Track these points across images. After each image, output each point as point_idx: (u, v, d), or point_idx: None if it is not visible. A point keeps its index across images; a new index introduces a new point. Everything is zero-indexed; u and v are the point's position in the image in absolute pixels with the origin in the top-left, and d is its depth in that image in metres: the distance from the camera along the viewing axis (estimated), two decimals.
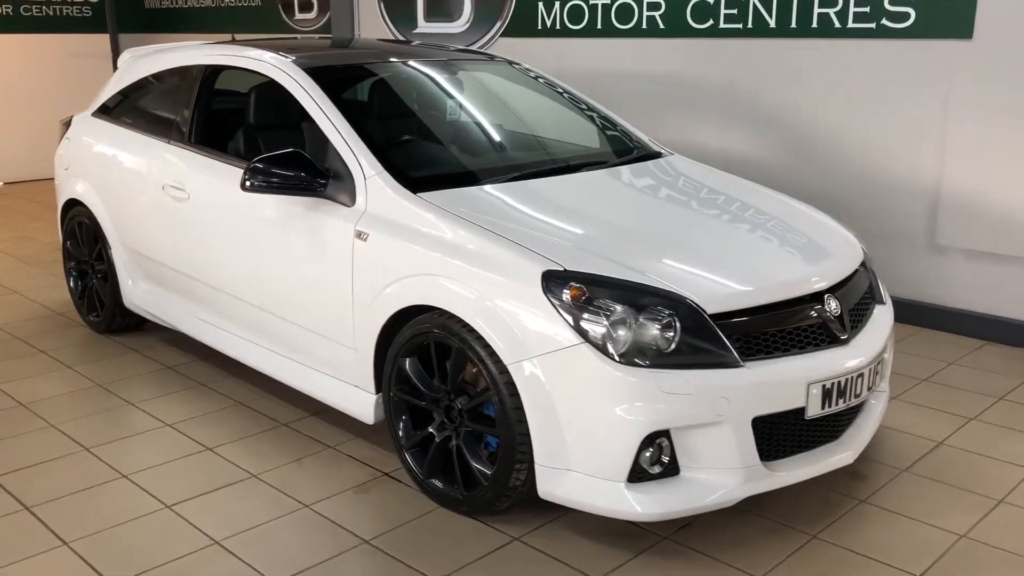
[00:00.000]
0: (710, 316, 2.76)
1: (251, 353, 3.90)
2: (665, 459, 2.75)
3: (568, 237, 3.04)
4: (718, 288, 2.86)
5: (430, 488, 3.16)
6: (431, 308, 3.04)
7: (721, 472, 2.77)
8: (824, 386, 2.87)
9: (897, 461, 3.45)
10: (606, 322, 2.70)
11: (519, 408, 2.82)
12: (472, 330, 2.90)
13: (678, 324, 2.72)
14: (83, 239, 4.87)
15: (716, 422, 2.71)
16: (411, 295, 3.08)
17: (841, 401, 2.94)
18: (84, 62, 9.66)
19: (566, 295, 2.76)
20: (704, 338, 2.74)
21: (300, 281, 3.50)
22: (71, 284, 5.06)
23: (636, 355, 2.69)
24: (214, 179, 3.93)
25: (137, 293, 4.57)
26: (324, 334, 3.45)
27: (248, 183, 3.33)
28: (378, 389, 3.34)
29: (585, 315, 2.73)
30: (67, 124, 5.08)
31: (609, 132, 4.22)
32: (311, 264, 3.44)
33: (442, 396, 3.09)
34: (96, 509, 3.15)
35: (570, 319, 2.73)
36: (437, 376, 3.09)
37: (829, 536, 2.96)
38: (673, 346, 2.71)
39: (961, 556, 2.86)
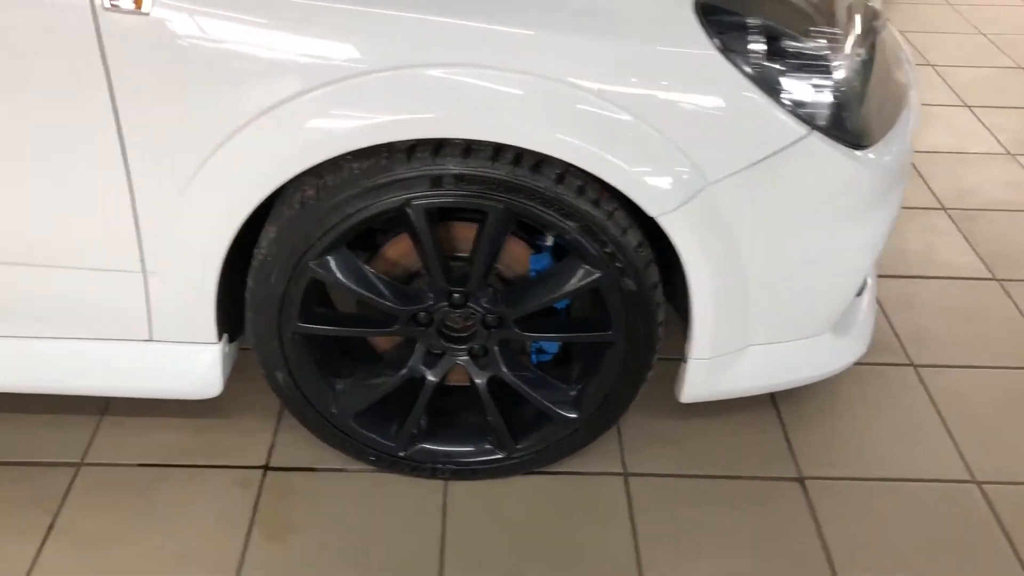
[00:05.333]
0: None
1: None
2: None
3: None
4: None
5: (412, 465, 1.67)
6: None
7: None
8: None
9: None
10: (827, 82, 1.43)
11: (655, 286, 1.49)
12: (543, 169, 1.36)
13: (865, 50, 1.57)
14: None
15: None
16: (360, 125, 1.31)
17: None
18: None
19: (756, 49, 1.38)
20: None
21: None
22: None
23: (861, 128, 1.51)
24: None
25: None
26: (60, 262, 1.42)
27: None
28: (223, 332, 1.55)
29: (787, 80, 1.41)
30: None
31: None
32: None
33: (436, 301, 1.52)
34: None
35: (778, 94, 1.39)
36: (433, 262, 1.47)
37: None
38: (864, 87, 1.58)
39: None
